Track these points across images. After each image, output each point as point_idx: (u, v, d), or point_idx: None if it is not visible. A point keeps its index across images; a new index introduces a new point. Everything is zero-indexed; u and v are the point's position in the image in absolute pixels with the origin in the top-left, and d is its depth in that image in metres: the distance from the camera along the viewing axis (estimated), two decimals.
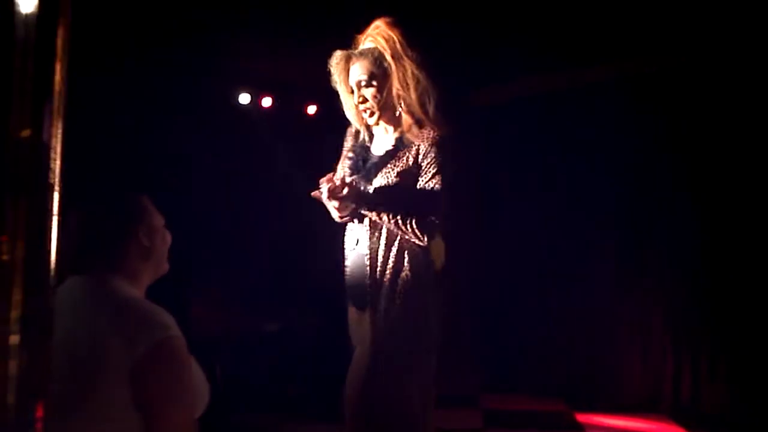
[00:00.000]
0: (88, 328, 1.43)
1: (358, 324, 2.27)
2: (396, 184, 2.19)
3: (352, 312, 2.33)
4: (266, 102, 4.99)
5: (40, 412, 0.91)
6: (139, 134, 4.43)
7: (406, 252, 2.20)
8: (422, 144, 2.20)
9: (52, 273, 0.94)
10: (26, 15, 0.88)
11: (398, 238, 2.20)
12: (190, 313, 4.35)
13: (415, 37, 2.26)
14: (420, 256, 2.21)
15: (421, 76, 2.21)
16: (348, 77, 2.28)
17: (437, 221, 2.18)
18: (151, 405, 1.42)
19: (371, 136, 2.38)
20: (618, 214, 4.64)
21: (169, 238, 1.67)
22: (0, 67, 0.87)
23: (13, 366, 0.91)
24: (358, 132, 2.42)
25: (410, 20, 2.29)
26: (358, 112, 2.33)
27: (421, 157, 2.20)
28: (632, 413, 4.31)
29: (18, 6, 0.89)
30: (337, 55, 2.28)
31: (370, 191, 2.23)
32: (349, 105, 2.35)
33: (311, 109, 5.08)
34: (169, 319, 1.48)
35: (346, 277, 2.31)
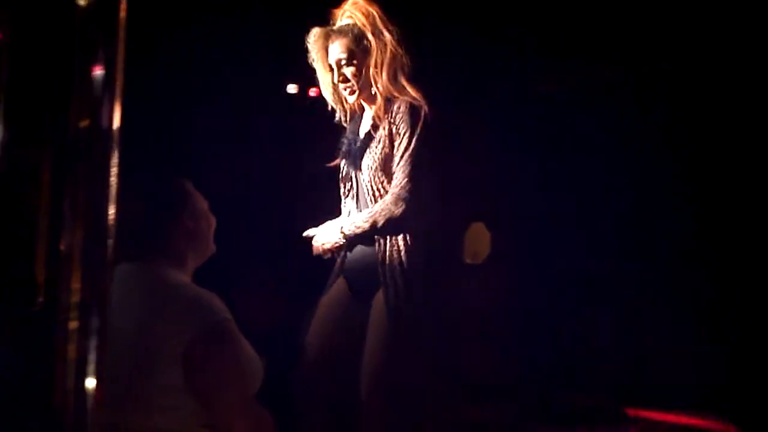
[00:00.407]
0: (138, 315, 1.44)
1: (350, 313, 2.19)
2: (382, 175, 2.13)
3: (336, 301, 2.24)
4: (313, 92, 5.01)
5: (98, 396, 0.94)
6: (187, 124, 4.50)
7: (420, 237, 2.12)
8: (393, 119, 2.13)
9: (110, 260, 0.96)
10: (86, 7, 0.90)
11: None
12: (242, 305, 4.40)
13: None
14: (435, 242, 2.15)
15: (399, 52, 2.14)
16: (327, 55, 2.22)
17: (412, 200, 2.07)
18: (206, 389, 1.43)
19: (351, 116, 2.32)
20: (678, 210, 4.50)
21: (213, 221, 1.68)
22: (61, 60, 0.90)
23: (72, 350, 0.94)
24: (352, 114, 2.35)
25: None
26: (336, 92, 2.27)
27: (393, 134, 2.13)
28: (687, 411, 4.20)
29: (78, 1, 0.91)
30: (315, 33, 2.22)
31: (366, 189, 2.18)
32: (326, 84, 2.28)
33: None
34: (218, 302, 1.49)
35: (346, 262, 2.24)
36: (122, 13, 0.92)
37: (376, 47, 2.13)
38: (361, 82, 2.17)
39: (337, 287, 2.25)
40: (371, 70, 2.14)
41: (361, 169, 2.18)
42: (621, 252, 4.73)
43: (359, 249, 2.19)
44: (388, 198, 2.09)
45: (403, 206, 2.06)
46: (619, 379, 4.61)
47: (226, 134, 4.61)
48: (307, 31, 2.22)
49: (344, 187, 2.29)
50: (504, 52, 4.43)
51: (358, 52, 2.15)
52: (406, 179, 2.07)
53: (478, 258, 5.62)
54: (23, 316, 0.90)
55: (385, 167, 2.13)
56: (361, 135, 2.25)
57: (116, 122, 0.95)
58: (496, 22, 4.13)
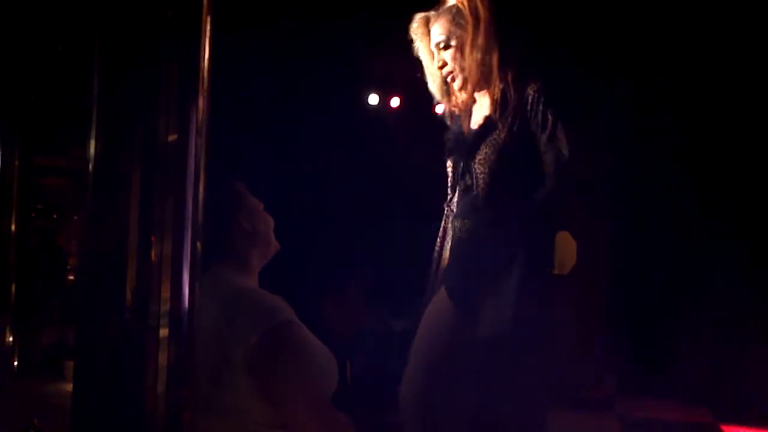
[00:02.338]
0: (204, 322, 1.46)
1: (452, 324, 2.03)
2: (501, 170, 1.94)
3: (438, 312, 2.08)
4: (395, 102, 5.03)
5: (188, 403, 0.96)
6: (269, 135, 4.61)
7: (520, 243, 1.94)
8: (529, 107, 1.92)
9: (198, 269, 0.98)
10: (173, 18, 0.93)
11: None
12: (324, 309, 4.45)
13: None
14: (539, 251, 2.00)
15: (490, 36, 1.94)
16: (429, 41, 2.05)
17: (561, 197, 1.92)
18: (275, 391, 1.43)
19: (461, 112, 2.12)
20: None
21: (271, 221, 1.68)
22: (149, 72, 0.92)
23: (162, 358, 0.96)
24: (451, 113, 2.18)
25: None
26: (443, 83, 2.08)
27: (529, 122, 1.92)
28: None
29: (163, 20, 0.94)
30: (417, 19, 2.06)
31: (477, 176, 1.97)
32: (432, 74, 2.10)
33: (439, 109, 5.07)
34: (281, 304, 1.49)
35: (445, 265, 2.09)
36: (207, 25, 0.94)
37: (472, 23, 1.95)
38: (464, 67, 1.99)
39: (439, 297, 2.11)
40: (467, 49, 1.96)
41: (474, 161, 1.99)
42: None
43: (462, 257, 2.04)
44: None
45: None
46: (717, 392, 4.41)
47: (306, 140, 4.70)
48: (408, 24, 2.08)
49: (459, 184, 2.09)
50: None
51: (455, 33, 1.98)
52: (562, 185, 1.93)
53: (565, 268, 5.49)
54: (115, 324, 0.93)
55: (504, 159, 1.94)
56: (474, 126, 2.06)
57: (203, 134, 0.97)
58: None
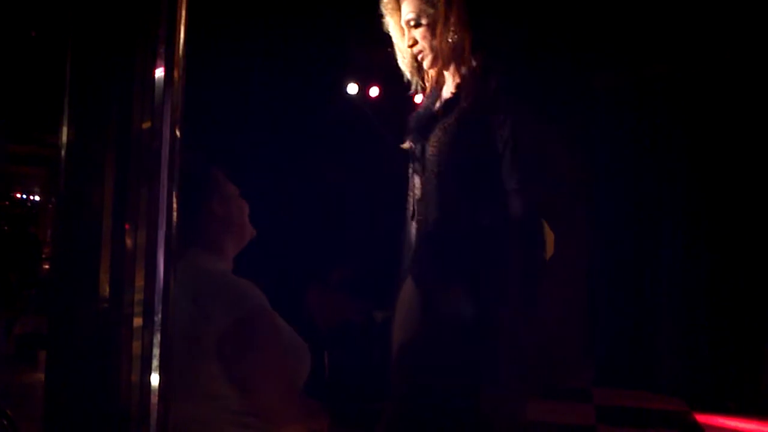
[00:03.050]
0: (178, 308, 1.44)
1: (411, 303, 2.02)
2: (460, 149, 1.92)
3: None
4: (374, 92, 5.03)
5: (162, 391, 0.95)
6: (248, 124, 4.58)
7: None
8: (485, 94, 1.91)
9: (173, 258, 0.98)
10: (148, 7, 0.91)
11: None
12: (305, 300, 4.44)
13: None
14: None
15: (462, 17, 1.93)
16: (400, 18, 2.04)
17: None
18: (245, 379, 1.43)
19: (430, 88, 2.12)
20: (757, 205, 4.35)
21: (246, 207, 1.66)
22: (123, 60, 0.91)
23: (137, 347, 0.95)
24: (423, 92, 2.15)
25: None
26: (413, 60, 2.08)
27: (484, 110, 1.90)
28: (761, 417, 4.04)
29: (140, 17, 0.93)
30: None
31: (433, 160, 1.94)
32: (402, 51, 2.10)
33: (418, 99, 5.08)
34: (252, 291, 1.48)
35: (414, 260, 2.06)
36: (183, 11, 0.93)
37: (444, 5, 1.94)
38: (431, 45, 1.98)
39: (408, 284, 2.07)
40: (438, 30, 1.95)
41: (428, 142, 1.98)
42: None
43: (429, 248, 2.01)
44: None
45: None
46: (692, 381, 4.47)
47: (286, 129, 4.68)
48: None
49: (415, 166, 2.08)
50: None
51: (426, 11, 1.96)
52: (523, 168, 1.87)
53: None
54: (89, 313, 0.92)
55: (453, 143, 1.93)
56: (436, 106, 2.05)
57: (178, 121, 0.96)
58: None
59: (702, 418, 4.03)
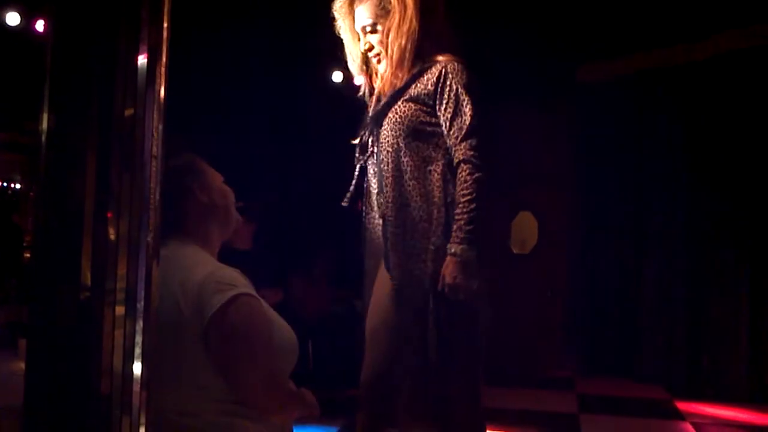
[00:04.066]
0: (162, 296, 1.42)
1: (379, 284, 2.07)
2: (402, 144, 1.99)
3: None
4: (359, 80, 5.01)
5: (144, 378, 0.95)
6: (233, 112, 4.55)
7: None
8: (438, 80, 1.98)
9: (155, 246, 0.97)
10: (130, 5, 0.90)
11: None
12: (290, 290, 4.44)
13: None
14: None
15: (419, 16, 2.00)
16: (353, 22, 2.11)
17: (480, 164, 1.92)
18: (227, 366, 1.42)
19: (380, 90, 2.15)
20: (733, 197, 4.39)
21: (231, 194, 1.66)
22: (105, 48, 0.90)
23: (119, 335, 0.95)
24: (371, 90, 2.20)
25: None
26: (363, 63, 2.15)
27: (437, 93, 1.98)
28: (737, 403, 4.10)
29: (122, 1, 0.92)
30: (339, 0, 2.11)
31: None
32: (353, 54, 2.17)
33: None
34: (238, 278, 1.47)
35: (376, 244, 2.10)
36: (166, 9, 0.92)
37: (398, 10, 2.01)
38: (388, 49, 2.04)
39: (381, 274, 2.11)
40: (392, 33, 2.02)
41: (382, 129, 2.05)
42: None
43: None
44: (464, 171, 1.94)
45: (479, 162, 1.94)
46: (673, 370, 4.53)
47: (270, 118, 4.65)
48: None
49: (361, 153, 2.14)
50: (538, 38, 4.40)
51: (381, 17, 2.04)
52: (470, 139, 1.95)
53: (526, 248, 5.56)
54: (71, 301, 0.91)
55: (412, 130, 2.00)
56: (388, 97, 2.09)
57: (160, 110, 0.95)
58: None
59: (682, 406, 4.08)
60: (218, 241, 1.63)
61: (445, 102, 1.99)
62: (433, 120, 2.02)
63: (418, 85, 2.02)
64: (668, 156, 4.69)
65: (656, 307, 4.69)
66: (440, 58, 2.03)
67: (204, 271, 1.47)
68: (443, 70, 2.00)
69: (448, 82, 1.99)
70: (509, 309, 4.71)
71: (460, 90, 1.98)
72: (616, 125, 4.93)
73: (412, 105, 2.02)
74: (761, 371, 4.20)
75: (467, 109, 1.97)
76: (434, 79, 2.00)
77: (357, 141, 2.16)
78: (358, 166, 2.15)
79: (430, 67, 2.03)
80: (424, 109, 2.02)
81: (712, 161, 4.42)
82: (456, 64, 2.01)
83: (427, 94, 2.01)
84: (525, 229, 5.17)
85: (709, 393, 4.26)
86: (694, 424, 3.72)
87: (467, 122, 1.97)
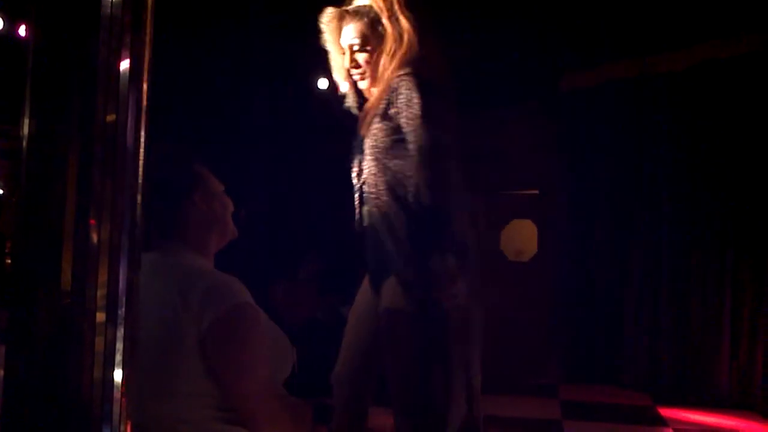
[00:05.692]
0: (156, 302, 1.42)
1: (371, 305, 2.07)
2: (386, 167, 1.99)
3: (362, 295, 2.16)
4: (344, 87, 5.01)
5: (125, 387, 0.94)
6: (223, 120, 4.54)
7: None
8: (395, 95, 1.96)
9: (137, 253, 0.96)
10: (112, 10, 0.90)
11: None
12: (274, 296, 4.43)
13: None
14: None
15: (414, 42, 1.99)
16: (340, 36, 2.10)
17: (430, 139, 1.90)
18: (223, 375, 1.42)
19: (364, 99, 2.17)
20: (716, 205, 4.43)
21: (230, 204, 1.66)
22: (86, 52, 0.90)
23: (99, 342, 0.94)
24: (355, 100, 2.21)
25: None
26: (349, 76, 2.14)
27: (397, 107, 1.96)
28: (720, 409, 4.13)
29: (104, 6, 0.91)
30: (329, 13, 2.10)
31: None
32: (339, 67, 2.16)
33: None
34: (237, 287, 1.47)
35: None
36: (149, 3, 0.91)
37: (392, 34, 2.00)
38: (373, 70, 2.05)
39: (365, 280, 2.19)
40: (383, 57, 2.02)
41: (365, 152, 2.06)
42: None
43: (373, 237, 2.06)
44: (412, 159, 1.93)
45: (427, 142, 1.91)
46: (656, 377, 4.55)
47: (258, 126, 4.65)
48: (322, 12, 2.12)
49: (354, 173, 2.14)
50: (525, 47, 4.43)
51: (372, 38, 2.03)
52: (419, 135, 1.91)
53: (524, 256, 5.53)
54: (51, 308, 0.91)
55: (389, 147, 1.99)
56: (369, 105, 2.10)
57: (143, 114, 0.95)
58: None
59: (665, 412, 4.11)
60: (214, 249, 1.64)
61: (399, 108, 1.96)
62: (402, 139, 1.98)
63: (383, 101, 2.02)
64: (656, 163, 4.73)
65: (639, 314, 4.73)
66: (401, 72, 2.01)
67: (203, 278, 1.47)
68: (397, 80, 1.98)
69: (401, 90, 1.96)
70: (491, 316, 4.73)
71: (411, 94, 1.94)
72: (605, 130, 4.96)
73: (382, 123, 2.00)
74: (744, 378, 4.24)
75: (416, 107, 1.93)
76: (389, 91, 1.99)
77: (353, 167, 2.15)
78: (357, 193, 2.14)
79: (394, 83, 2.01)
80: (390, 124, 1.99)
81: (699, 169, 4.47)
82: (410, 74, 1.97)
83: (386, 108, 1.99)
84: (524, 238, 5.19)
85: (692, 399, 4.30)
86: (677, 431, 3.74)
87: (414, 121, 1.93)
